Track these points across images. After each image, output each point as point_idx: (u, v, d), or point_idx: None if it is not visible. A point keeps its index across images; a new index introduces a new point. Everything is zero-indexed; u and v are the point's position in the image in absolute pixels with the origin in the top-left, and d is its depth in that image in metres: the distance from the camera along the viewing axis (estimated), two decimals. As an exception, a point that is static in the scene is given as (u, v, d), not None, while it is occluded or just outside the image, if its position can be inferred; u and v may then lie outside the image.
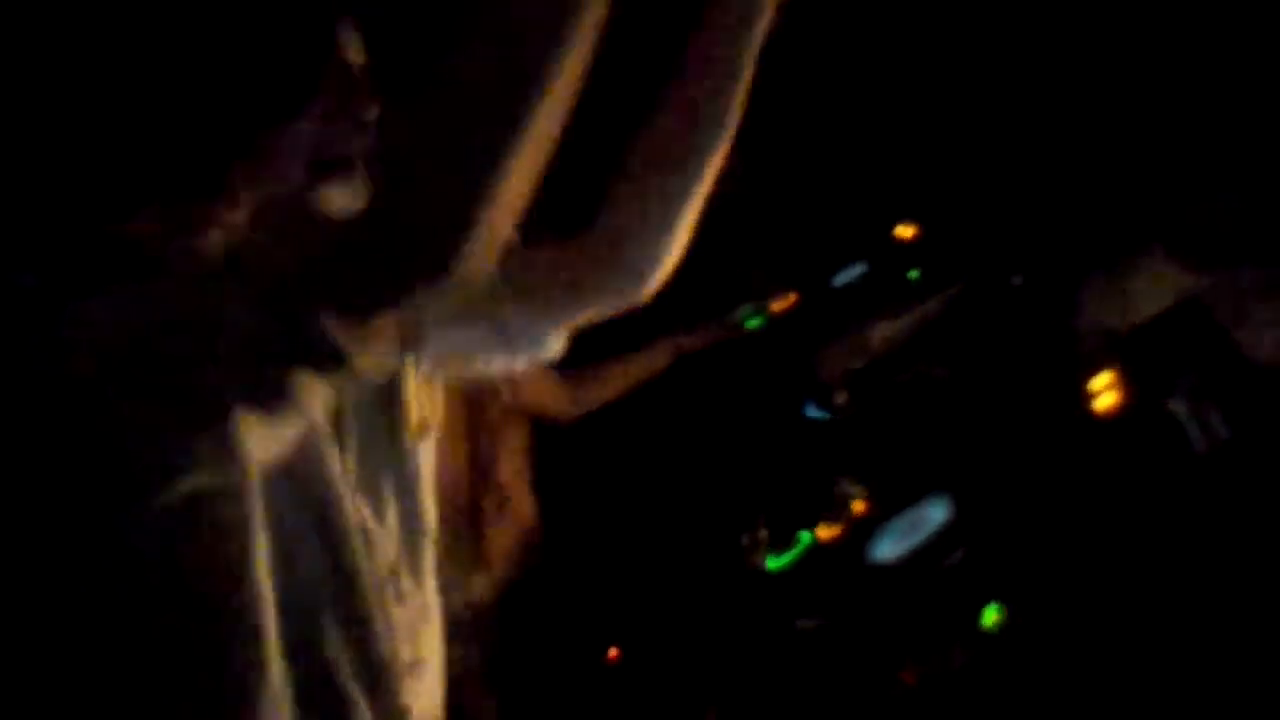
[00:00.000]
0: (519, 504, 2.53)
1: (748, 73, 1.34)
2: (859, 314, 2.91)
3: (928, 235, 3.01)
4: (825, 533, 2.21)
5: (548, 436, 2.67)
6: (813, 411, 2.87)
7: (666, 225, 1.44)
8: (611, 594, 2.79)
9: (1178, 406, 1.97)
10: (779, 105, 3.17)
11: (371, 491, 1.44)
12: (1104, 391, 2.11)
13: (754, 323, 3.05)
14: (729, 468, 3.04)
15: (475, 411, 2.40)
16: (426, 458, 1.57)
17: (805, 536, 2.23)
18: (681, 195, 1.41)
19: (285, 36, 1.29)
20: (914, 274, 2.97)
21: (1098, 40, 3.01)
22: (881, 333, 2.89)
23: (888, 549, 2.03)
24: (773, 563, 2.20)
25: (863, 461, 2.76)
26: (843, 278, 3.03)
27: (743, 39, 1.33)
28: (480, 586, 2.41)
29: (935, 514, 2.03)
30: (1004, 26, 3.05)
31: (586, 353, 2.85)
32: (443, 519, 2.15)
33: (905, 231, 3.05)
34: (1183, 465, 1.90)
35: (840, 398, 2.89)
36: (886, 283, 2.97)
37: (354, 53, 1.38)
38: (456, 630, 2.38)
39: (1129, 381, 2.08)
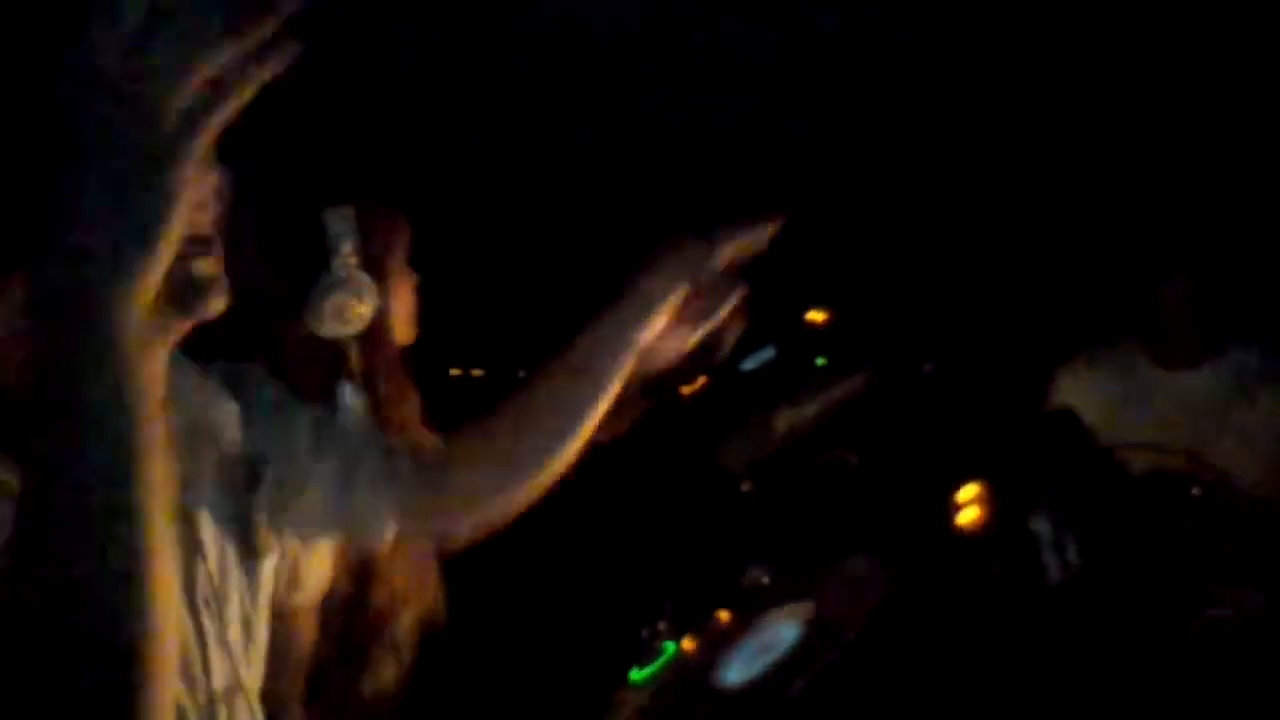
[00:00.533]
0: (418, 591, 2.46)
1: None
2: (764, 400, 2.87)
3: (839, 320, 2.97)
4: (689, 644, 2.15)
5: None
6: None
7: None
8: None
9: (1040, 526, 1.92)
10: (699, 190, 3.15)
11: (220, 606, 1.40)
12: (969, 504, 2.06)
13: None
14: (635, 556, 3.00)
15: None
16: (268, 575, 1.54)
17: (670, 647, 2.16)
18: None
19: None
20: (821, 360, 2.93)
21: (1015, 125, 2.98)
22: (786, 420, 2.84)
23: (735, 673, 1.95)
24: (635, 675, 2.12)
25: (770, 548, 2.71)
26: (750, 362, 2.99)
27: None
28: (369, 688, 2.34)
29: (787, 634, 1.96)
30: (923, 109, 3.03)
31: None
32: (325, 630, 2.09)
33: (816, 316, 3.01)
34: (1035, 593, 1.84)
35: (745, 485, 2.84)
36: (793, 368, 2.93)
37: None
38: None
39: (994, 495, 2.02)
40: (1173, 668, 1.68)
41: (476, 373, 3.21)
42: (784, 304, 3.04)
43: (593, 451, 2.95)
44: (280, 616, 2.02)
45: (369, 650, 2.29)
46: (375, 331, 2.22)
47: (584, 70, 3.02)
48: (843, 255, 3.05)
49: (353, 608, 2.26)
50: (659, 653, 2.13)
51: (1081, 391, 2.86)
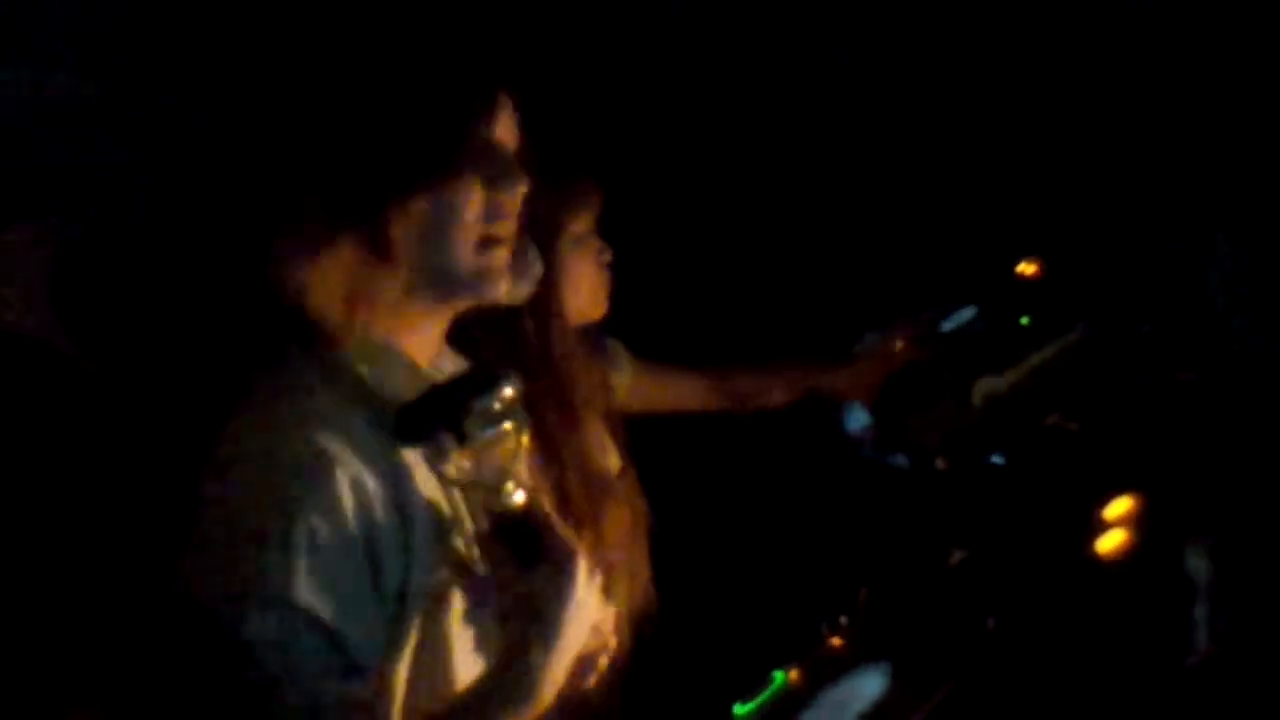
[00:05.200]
0: (628, 573, 2.35)
1: None
2: (962, 365, 2.60)
3: (1051, 274, 2.67)
4: (796, 674, 1.91)
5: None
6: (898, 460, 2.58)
7: None
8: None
9: (1196, 566, 1.56)
10: (905, 135, 2.89)
11: None
12: (1115, 525, 1.73)
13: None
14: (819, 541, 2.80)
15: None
16: None
17: (779, 677, 1.93)
18: None
19: (428, 105, 1.34)
20: (1025, 320, 2.64)
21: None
22: (984, 389, 2.58)
23: None
24: (740, 709, 1.90)
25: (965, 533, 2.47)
26: (949, 323, 2.72)
27: None
28: None
29: (869, 689, 1.70)
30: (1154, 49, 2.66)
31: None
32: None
33: (1027, 269, 2.71)
34: (1166, 660, 1.49)
35: (940, 463, 2.59)
36: (996, 329, 2.65)
37: (504, 130, 1.43)
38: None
39: (1148, 516, 1.68)
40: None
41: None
42: (990, 256, 2.74)
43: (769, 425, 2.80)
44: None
45: None
46: (542, 302, 2.12)
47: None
48: (1059, 201, 2.74)
49: None
50: (767, 683, 1.92)
51: None
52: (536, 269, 2.03)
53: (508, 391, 1.34)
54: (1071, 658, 1.60)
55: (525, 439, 1.36)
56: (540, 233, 2.05)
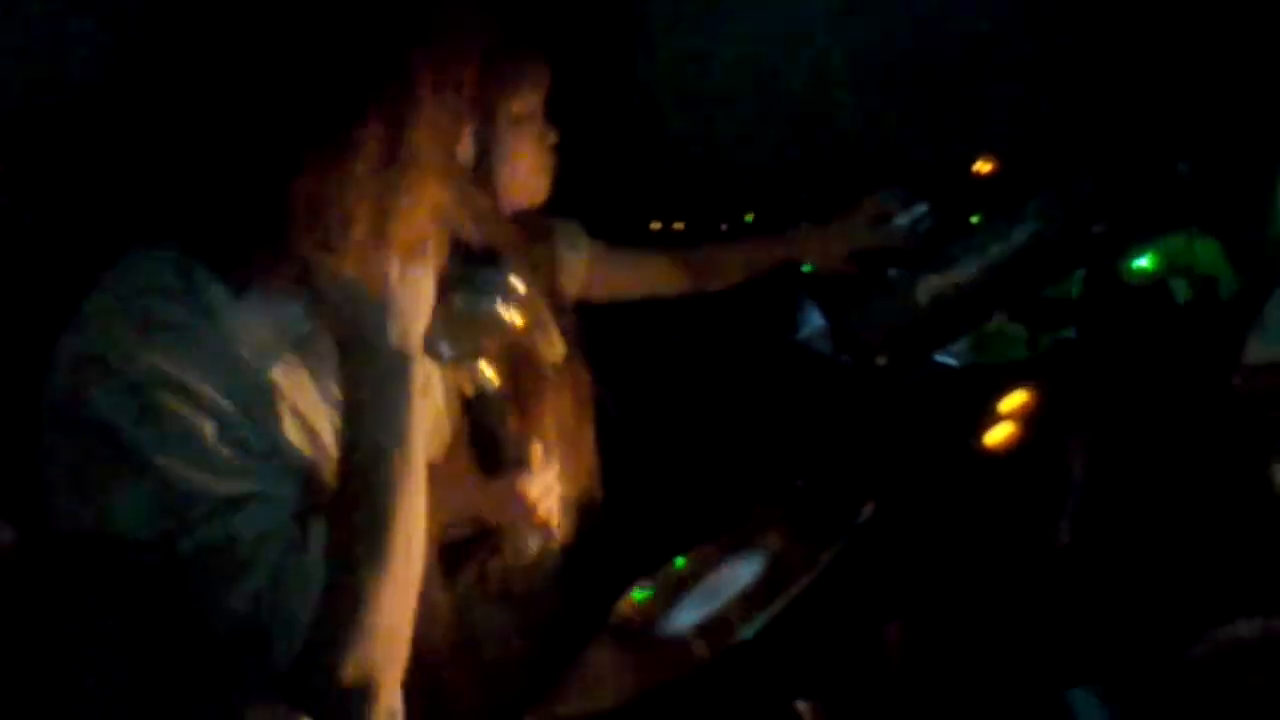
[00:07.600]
0: (572, 462, 2.32)
1: None
2: (909, 262, 2.54)
3: (1007, 173, 2.59)
4: (690, 560, 1.87)
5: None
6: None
7: None
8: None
9: (1075, 461, 1.52)
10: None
11: None
12: (1005, 419, 1.67)
13: (809, 266, 2.73)
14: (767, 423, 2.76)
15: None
16: None
17: (679, 562, 1.89)
18: None
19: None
20: (977, 218, 2.57)
21: None
22: (929, 288, 2.51)
23: (685, 616, 1.66)
24: (638, 594, 1.86)
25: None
26: (901, 219, 2.65)
27: None
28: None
29: (742, 574, 1.66)
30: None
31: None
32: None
33: (983, 167, 2.64)
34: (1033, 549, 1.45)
35: (880, 360, 2.54)
36: (946, 226, 2.58)
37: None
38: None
39: (1039, 411, 1.63)
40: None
41: (678, 226, 3.02)
42: (948, 154, 2.67)
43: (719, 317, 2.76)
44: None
45: (509, 522, 2.17)
46: (476, 183, 2.06)
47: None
48: (1020, 95, 2.66)
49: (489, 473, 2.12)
50: (669, 568, 1.87)
51: None
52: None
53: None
54: (942, 547, 1.57)
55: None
56: (479, 111, 2.00)
